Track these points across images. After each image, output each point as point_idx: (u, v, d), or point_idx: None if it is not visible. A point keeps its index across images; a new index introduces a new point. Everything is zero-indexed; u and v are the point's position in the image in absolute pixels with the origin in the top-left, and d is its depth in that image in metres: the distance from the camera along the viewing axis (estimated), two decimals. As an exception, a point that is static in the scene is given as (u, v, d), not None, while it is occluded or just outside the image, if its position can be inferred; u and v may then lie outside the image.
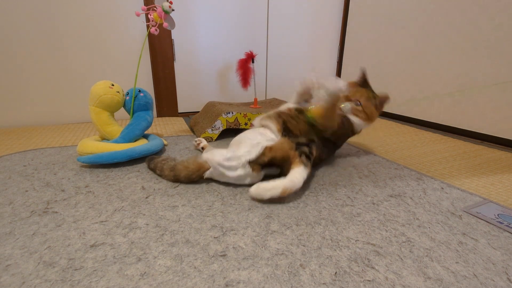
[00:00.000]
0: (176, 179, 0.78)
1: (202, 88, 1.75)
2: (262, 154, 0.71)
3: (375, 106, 0.89)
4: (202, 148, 1.05)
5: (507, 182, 0.85)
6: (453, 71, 1.37)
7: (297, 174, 0.68)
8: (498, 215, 0.67)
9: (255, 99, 1.45)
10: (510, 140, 1.20)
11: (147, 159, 0.90)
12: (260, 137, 0.77)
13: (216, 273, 0.47)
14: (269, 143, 0.74)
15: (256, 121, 0.91)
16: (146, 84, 1.61)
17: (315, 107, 0.81)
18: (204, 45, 1.67)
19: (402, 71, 1.63)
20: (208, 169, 0.74)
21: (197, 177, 0.77)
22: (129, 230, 0.59)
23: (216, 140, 1.20)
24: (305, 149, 0.74)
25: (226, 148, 0.84)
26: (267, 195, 0.66)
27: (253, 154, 0.71)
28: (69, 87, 1.46)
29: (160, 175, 0.83)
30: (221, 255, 0.51)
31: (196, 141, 1.08)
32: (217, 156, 0.73)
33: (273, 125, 0.83)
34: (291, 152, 0.72)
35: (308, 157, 0.73)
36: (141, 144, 0.96)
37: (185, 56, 1.65)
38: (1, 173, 0.85)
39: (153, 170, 0.85)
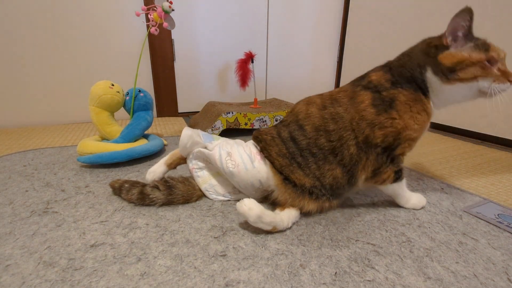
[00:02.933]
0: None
1: (202, 88, 1.75)
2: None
3: None
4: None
5: (507, 182, 0.85)
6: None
7: (292, 218, 0.60)
8: (498, 215, 0.67)
9: (255, 99, 1.45)
10: (510, 140, 1.20)
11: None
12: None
13: (216, 273, 0.47)
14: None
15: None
16: (146, 84, 1.61)
17: None
18: (204, 45, 1.67)
19: (402, 71, 1.63)
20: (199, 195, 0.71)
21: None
22: (129, 230, 0.58)
23: (216, 140, 1.20)
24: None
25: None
26: (258, 225, 0.57)
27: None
28: (69, 87, 1.46)
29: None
30: (221, 255, 0.51)
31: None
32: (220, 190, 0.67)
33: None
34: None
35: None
36: (141, 144, 0.96)
37: (185, 56, 1.65)
38: (1, 173, 0.85)
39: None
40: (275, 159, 0.62)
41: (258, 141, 0.66)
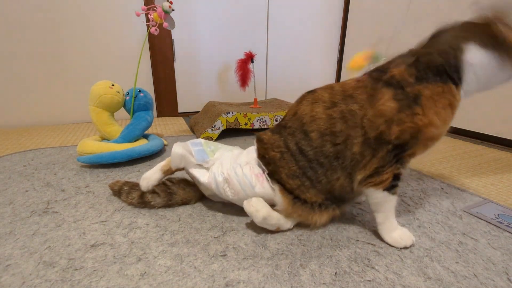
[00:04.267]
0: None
1: (202, 88, 1.75)
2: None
3: None
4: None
5: (507, 182, 0.85)
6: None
7: (288, 224, 0.59)
8: (498, 215, 0.67)
9: (255, 99, 1.45)
10: (510, 140, 1.20)
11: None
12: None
13: (216, 273, 0.47)
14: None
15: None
16: (146, 84, 1.61)
17: None
18: (204, 45, 1.67)
19: (402, 71, 1.62)
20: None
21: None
22: (129, 230, 0.58)
23: (216, 140, 1.20)
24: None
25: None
26: (262, 225, 0.57)
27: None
28: (69, 87, 1.46)
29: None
30: (221, 255, 0.51)
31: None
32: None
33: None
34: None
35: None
36: (141, 144, 0.96)
37: (185, 56, 1.65)
38: (1, 173, 0.85)
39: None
40: (286, 182, 0.57)
41: (267, 163, 0.59)
